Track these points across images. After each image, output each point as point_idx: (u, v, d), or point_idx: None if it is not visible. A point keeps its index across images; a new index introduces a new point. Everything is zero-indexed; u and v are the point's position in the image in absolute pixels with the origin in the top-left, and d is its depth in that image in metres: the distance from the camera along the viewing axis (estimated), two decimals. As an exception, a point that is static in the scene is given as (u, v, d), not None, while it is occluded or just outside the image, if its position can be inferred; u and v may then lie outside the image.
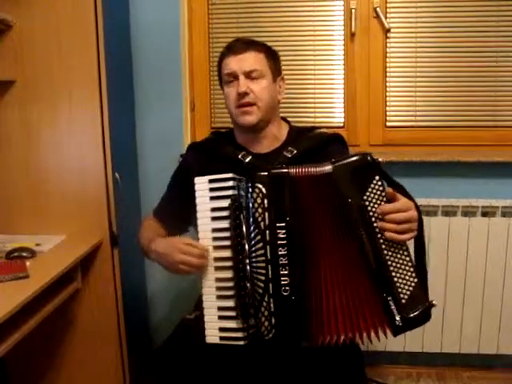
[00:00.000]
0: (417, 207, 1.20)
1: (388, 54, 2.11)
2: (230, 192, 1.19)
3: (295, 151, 1.37)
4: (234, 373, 1.26)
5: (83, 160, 1.72)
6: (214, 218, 1.21)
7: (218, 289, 1.21)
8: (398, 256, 1.15)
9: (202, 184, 1.22)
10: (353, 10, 2.07)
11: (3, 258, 1.51)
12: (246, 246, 1.17)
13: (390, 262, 1.14)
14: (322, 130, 1.54)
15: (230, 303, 1.19)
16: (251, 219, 1.16)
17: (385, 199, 1.14)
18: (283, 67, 1.49)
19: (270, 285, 1.15)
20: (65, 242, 1.69)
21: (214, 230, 1.21)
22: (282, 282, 1.15)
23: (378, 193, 1.14)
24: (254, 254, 1.16)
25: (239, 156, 1.39)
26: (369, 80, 2.12)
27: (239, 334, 1.18)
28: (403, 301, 1.14)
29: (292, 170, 1.17)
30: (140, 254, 1.47)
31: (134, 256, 1.82)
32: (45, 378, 1.83)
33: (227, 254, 1.20)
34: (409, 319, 1.14)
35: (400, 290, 1.14)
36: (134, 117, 2.17)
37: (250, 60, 1.38)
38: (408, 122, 2.15)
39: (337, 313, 1.15)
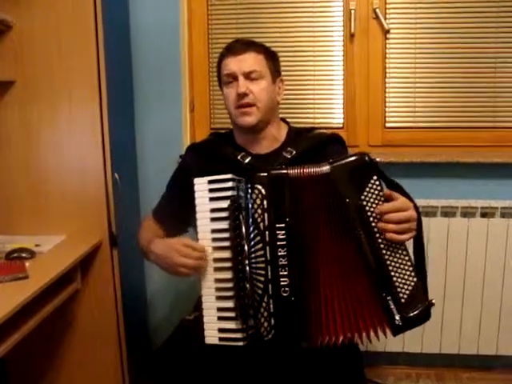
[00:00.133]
0: (416, 207, 1.20)
1: (387, 55, 2.11)
2: (229, 193, 1.19)
3: (294, 152, 1.37)
4: (234, 374, 1.26)
5: (83, 160, 1.72)
6: (214, 219, 1.21)
7: (218, 290, 1.21)
8: (397, 256, 1.15)
9: (201, 185, 1.22)
10: (352, 11, 2.07)
11: (3, 258, 1.51)
12: (246, 247, 1.17)
13: (389, 262, 1.14)
14: (321, 131, 1.54)
15: (230, 304, 1.19)
16: (251, 220, 1.16)
17: (383, 199, 1.15)
18: (283, 68, 1.49)
19: (270, 285, 1.15)
20: (64, 243, 1.69)
21: (214, 231, 1.21)
22: (282, 283, 1.15)
23: (376, 192, 1.14)
24: (253, 255, 1.16)
25: (238, 157, 1.39)
26: (368, 81, 2.12)
27: (238, 335, 1.18)
28: (402, 300, 1.14)
29: (291, 171, 1.17)
30: (139, 255, 1.47)
31: (134, 256, 1.82)
32: (44, 379, 1.83)
33: (226, 254, 1.20)
34: (408, 319, 1.14)
35: (399, 289, 1.14)
36: (134, 117, 2.17)
37: (250, 61, 1.38)
38: (407, 123, 2.15)
39: (336, 313, 1.15)
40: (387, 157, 2.01)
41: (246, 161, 1.38)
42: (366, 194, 1.14)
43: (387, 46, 2.11)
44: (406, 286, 1.14)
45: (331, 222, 1.16)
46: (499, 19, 2.03)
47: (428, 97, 2.12)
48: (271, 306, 1.15)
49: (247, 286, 1.16)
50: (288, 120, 1.54)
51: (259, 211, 1.16)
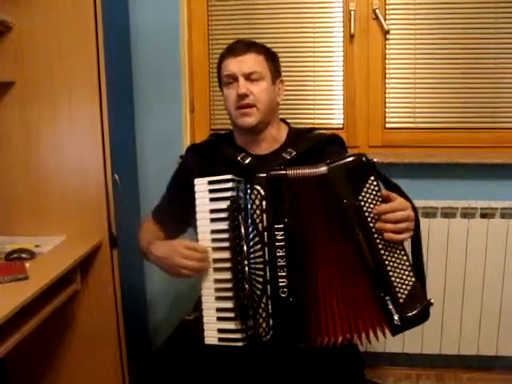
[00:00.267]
0: (413, 207, 1.20)
1: (387, 56, 2.11)
2: (229, 193, 1.19)
3: (294, 153, 1.37)
4: (233, 374, 1.26)
5: (83, 160, 1.72)
6: (213, 220, 1.21)
7: (217, 290, 1.21)
8: (395, 256, 1.15)
9: (201, 185, 1.22)
10: (352, 12, 2.07)
11: (3, 259, 1.51)
12: (245, 248, 1.17)
13: (387, 262, 1.15)
14: (321, 132, 1.54)
15: (229, 304, 1.19)
16: (250, 221, 1.17)
17: (380, 199, 1.15)
18: (282, 69, 1.49)
19: (268, 286, 1.15)
20: (64, 243, 1.69)
21: (213, 232, 1.21)
22: (280, 284, 1.15)
23: (374, 193, 1.15)
24: (252, 256, 1.16)
25: (238, 158, 1.39)
26: (368, 81, 2.12)
27: (238, 336, 1.18)
28: (401, 300, 1.14)
29: (290, 172, 1.17)
30: (139, 255, 1.47)
31: (133, 257, 1.82)
32: (44, 379, 1.83)
33: (226, 255, 1.20)
34: (407, 318, 1.14)
35: (398, 289, 1.14)
36: (134, 117, 2.17)
37: (250, 62, 1.38)
38: (407, 124, 2.15)
39: (335, 314, 1.15)
40: (387, 157, 2.01)
41: (246, 161, 1.38)
42: (363, 194, 1.15)
43: (387, 46, 2.11)
44: (404, 286, 1.14)
45: (329, 222, 1.16)
46: (499, 20, 2.03)
47: (428, 97, 2.12)
48: (269, 306, 1.15)
49: (246, 286, 1.16)
50: (288, 120, 1.54)
51: (258, 212, 1.16)
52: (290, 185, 1.17)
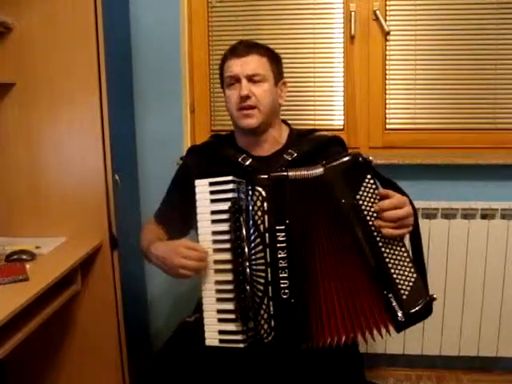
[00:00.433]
0: (410, 202, 1.21)
1: (387, 57, 2.11)
2: (230, 195, 1.19)
3: (296, 154, 1.38)
4: (234, 376, 1.26)
5: (83, 161, 1.72)
6: (214, 221, 1.21)
7: (218, 291, 1.21)
8: (396, 252, 1.16)
9: (202, 187, 1.22)
10: (352, 13, 2.07)
11: (3, 260, 1.51)
12: (246, 249, 1.17)
13: (388, 259, 1.15)
14: (322, 133, 1.54)
15: (230, 306, 1.19)
16: (251, 222, 1.17)
17: (378, 197, 1.16)
18: (283, 70, 1.49)
19: (270, 287, 1.15)
20: (64, 245, 1.69)
21: (214, 233, 1.21)
22: (282, 285, 1.15)
23: (371, 191, 1.15)
24: (253, 257, 1.16)
25: (239, 159, 1.39)
26: (368, 82, 2.12)
27: (239, 337, 1.18)
28: (404, 296, 1.14)
29: (291, 173, 1.18)
30: (140, 256, 1.47)
31: (134, 258, 1.82)
32: (44, 381, 1.82)
33: (227, 256, 1.20)
34: (411, 314, 1.14)
35: (400, 285, 1.15)
36: (134, 118, 2.17)
37: (253, 63, 1.38)
38: (408, 125, 2.15)
39: (337, 314, 1.16)
40: (388, 158, 2.01)
41: (247, 163, 1.38)
42: (361, 193, 1.15)
43: (387, 47, 2.10)
44: (406, 282, 1.15)
45: (329, 222, 1.16)
46: (499, 21, 2.03)
47: (428, 98, 2.11)
48: (271, 307, 1.15)
49: (247, 287, 1.17)
50: (288, 122, 1.54)
51: (259, 213, 1.16)
52: (291, 186, 1.17)
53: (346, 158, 1.18)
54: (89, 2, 1.64)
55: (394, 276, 1.14)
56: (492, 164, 2.00)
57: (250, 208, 1.17)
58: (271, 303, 1.15)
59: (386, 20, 2.07)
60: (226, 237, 1.19)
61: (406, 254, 1.16)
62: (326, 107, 2.18)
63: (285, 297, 1.15)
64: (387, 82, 2.13)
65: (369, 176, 1.15)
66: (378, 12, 2.06)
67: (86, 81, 1.68)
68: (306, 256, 1.16)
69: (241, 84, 1.37)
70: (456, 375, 2.15)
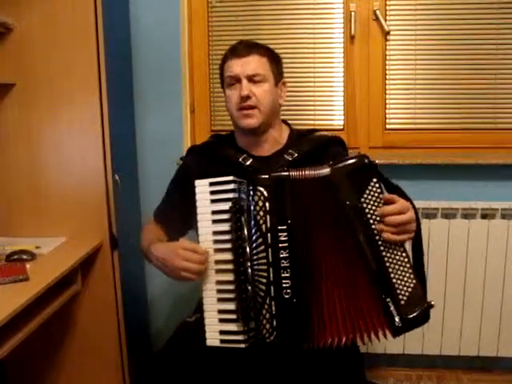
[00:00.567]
0: (414, 208, 1.21)
1: (387, 57, 2.11)
2: (230, 195, 1.19)
3: (296, 154, 1.38)
4: (235, 376, 1.26)
5: (83, 161, 1.72)
6: (215, 221, 1.21)
7: (219, 291, 1.20)
8: (397, 257, 1.15)
9: (202, 187, 1.22)
10: (352, 13, 2.07)
11: (3, 260, 1.51)
12: (247, 249, 1.17)
13: (388, 264, 1.15)
14: (322, 133, 1.54)
15: (231, 306, 1.19)
16: (252, 222, 1.16)
17: (383, 201, 1.15)
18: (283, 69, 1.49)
19: (272, 287, 1.15)
20: (65, 245, 1.69)
21: (215, 233, 1.21)
22: (284, 285, 1.15)
23: (376, 195, 1.15)
24: (255, 257, 1.16)
25: (240, 159, 1.39)
26: (368, 82, 2.12)
27: (240, 337, 1.17)
28: (402, 302, 1.14)
29: (293, 173, 1.17)
30: (140, 256, 1.47)
31: (134, 258, 1.82)
32: (44, 381, 1.82)
33: (228, 256, 1.19)
34: (408, 320, 1.14)
35: (399, 291, 1.14)
36: (134, 118, 2.17)
37: (253, 64, 1.38)
38: (408, 125, 2.15)
39: (338, 314, 1.15)
40: (388, 158, 2.01)
41: (248, 163, 1.38)
42: (365, 196, 1.15)
43: (387, 47, 2.10)
44: (405, 288, 1.15)
45: (332, 224, 1.16)
46: (499, 21, 2.03)
47: (428, 98, 2.12)
48: (273, 307, 1.15)
49: (249, 287, 1.16)
50: (288, 121, 1.54)
51: (261, 213, 1.16)
52: (293, 186, 1.17)
53: (353, 160, 1.18)
54: (89, 2, 1.64)
55: (394, 281, 1.14)
56: (492, 164, 2.00)
57: (252, 208, 1.16)
58: (273, 303, 1.15)
59: (385, 20, 2.07)
60: (227, 237, 1.19)
61: (406, 260, 1.15)
62: (326, 107, 2.18)
63: (287, 296, 1.15)
64: (387, 81, 2.13)
65: (375, 179, 1.15)
66: (377, 12, 2.07)
67: (85, 81, 1.68)
68: (308, 256, 1.16)
69: (241, 84, 1.37)
70: (456, 375, 2.15)
